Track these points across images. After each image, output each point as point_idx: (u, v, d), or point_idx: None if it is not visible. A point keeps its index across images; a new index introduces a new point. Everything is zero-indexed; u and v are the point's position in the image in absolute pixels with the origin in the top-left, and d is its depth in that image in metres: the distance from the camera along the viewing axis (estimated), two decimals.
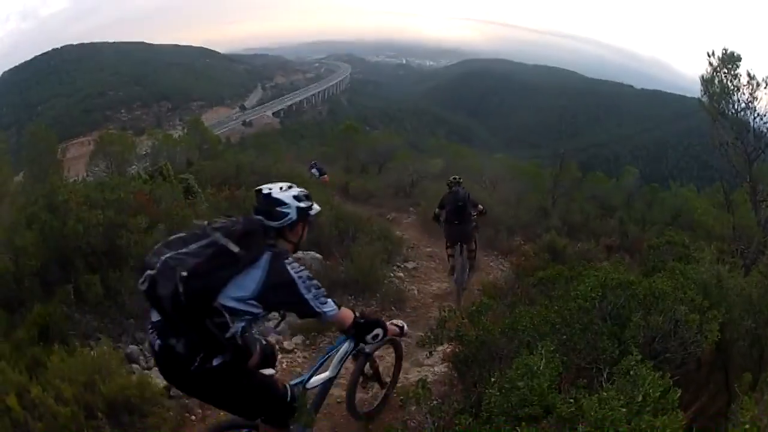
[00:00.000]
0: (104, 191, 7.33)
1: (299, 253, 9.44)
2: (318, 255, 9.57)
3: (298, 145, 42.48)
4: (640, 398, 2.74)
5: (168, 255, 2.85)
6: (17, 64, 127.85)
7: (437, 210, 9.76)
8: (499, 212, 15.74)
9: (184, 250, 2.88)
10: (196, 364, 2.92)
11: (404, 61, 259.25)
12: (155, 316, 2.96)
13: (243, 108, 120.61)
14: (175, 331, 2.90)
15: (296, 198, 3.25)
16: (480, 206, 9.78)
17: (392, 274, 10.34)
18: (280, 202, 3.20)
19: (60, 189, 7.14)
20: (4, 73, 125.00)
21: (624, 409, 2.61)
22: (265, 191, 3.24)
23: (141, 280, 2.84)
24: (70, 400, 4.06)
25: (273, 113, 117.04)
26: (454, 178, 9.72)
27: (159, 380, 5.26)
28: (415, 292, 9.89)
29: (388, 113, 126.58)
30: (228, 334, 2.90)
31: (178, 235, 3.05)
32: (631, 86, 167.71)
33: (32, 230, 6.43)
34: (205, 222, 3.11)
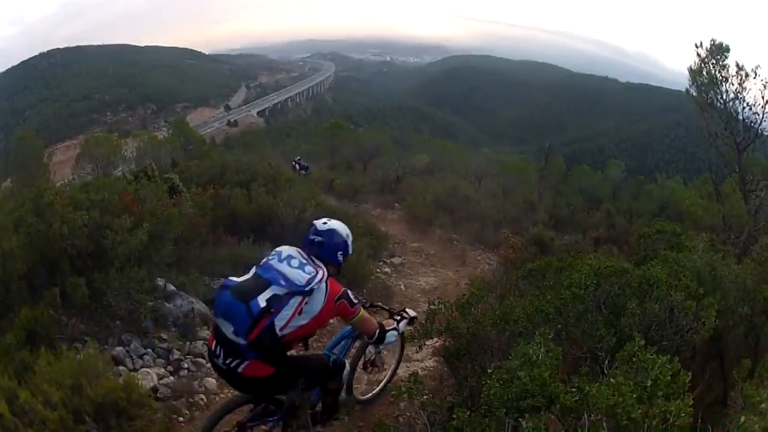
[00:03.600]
0: (89, 192, 7.23)
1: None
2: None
3: (283, 143, 42.27)
4: (649, 383, 2.68)
5: None
6: (4, 70, 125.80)
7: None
8: (486, 206, 15.76)
9: None
10: None
11: (388, 59, 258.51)
12: None
13: (228, 108, 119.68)
14: None
15: None
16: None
17: (379, 270, 10.35)
18: None
19: (46, 191, 7.04)
20: None
21: (635, 395, 2.55)
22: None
23: None
24: (58, 404, 3.97)
25: (258, 112, 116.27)
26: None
27: (145, 382, 5.18)
28: (402, 287, 9.90)
29: (373, 111, 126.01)
30: None
31: None
32: (616, 80, 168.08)
33: (19, 234, 6.32)
34: None
